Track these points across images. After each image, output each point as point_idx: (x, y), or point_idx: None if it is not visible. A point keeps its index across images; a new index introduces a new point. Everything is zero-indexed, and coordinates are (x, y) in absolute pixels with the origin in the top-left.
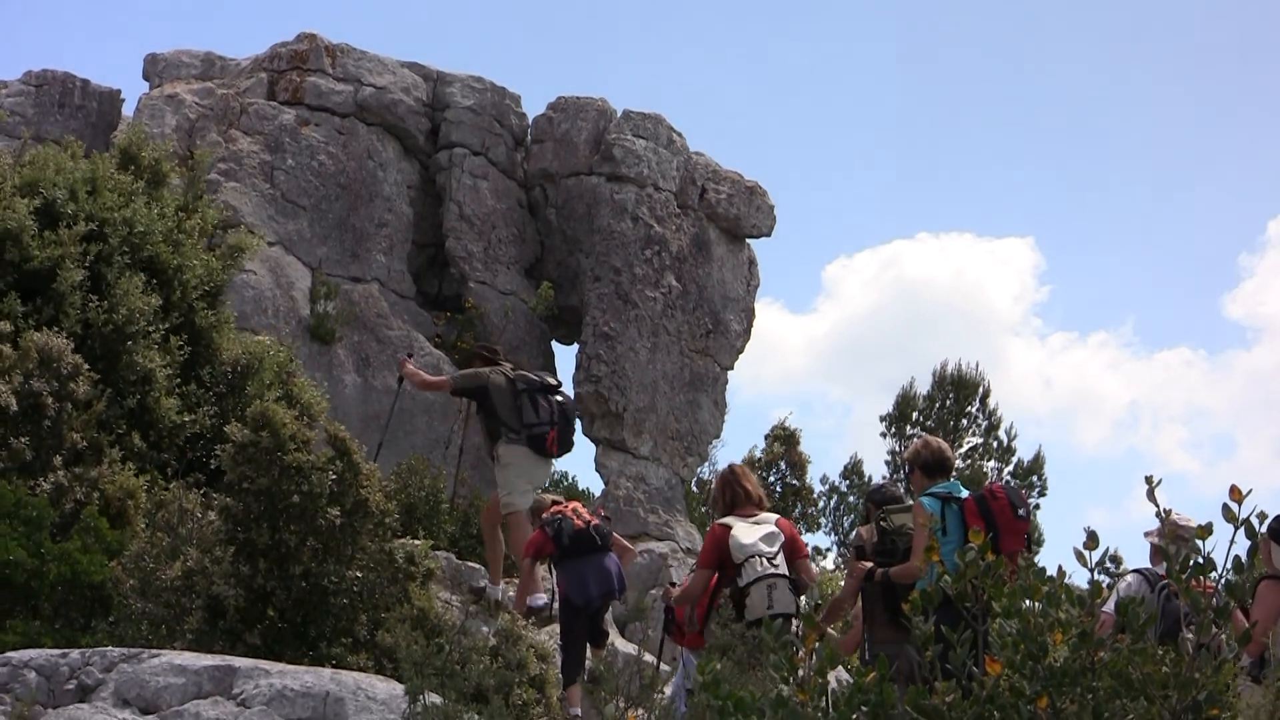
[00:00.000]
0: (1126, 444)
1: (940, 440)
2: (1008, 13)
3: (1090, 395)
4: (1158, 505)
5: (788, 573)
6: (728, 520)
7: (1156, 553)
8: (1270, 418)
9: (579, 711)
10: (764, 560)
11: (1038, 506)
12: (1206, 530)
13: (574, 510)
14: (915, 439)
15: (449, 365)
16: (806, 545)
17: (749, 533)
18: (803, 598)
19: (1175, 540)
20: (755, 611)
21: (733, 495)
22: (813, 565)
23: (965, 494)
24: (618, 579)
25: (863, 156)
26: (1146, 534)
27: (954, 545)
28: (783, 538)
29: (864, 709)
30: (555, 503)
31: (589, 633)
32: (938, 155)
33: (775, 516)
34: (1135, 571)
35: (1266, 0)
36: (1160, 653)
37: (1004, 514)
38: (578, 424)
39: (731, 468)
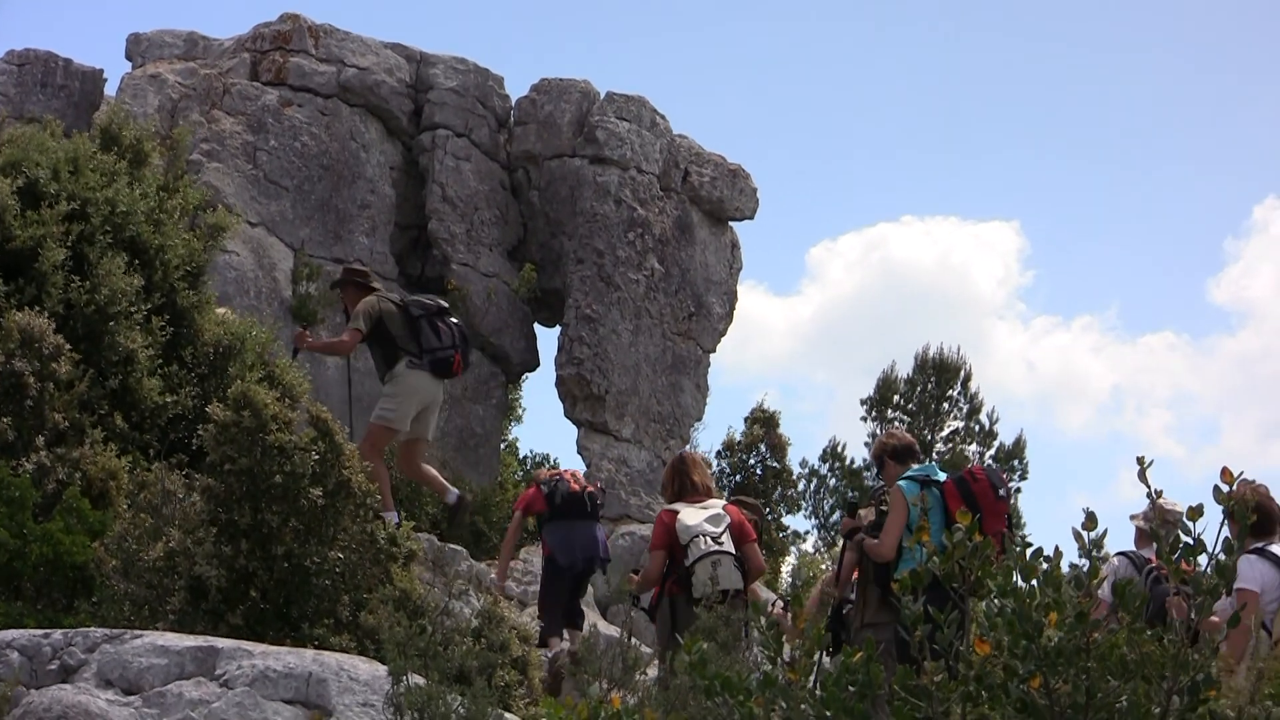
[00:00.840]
0: (1110, 428)
1: (903, 431)
2: None
3: (1074, 379)
4: (1149, 486)
5: (734, 551)
6: (674, 506)
7: (1141, 535)
8: (1254, 403)
9: (557, 650)
10: (707, 539)
11: (1019, 490)
12: (1198, 512)
13: (572, 475)
14: (882, 430)
15: None
16: (755, 532)
17: (694, 515)
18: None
19: (1164, 524)
20: (701, 588)
21: (680, 485)
22: (785, 553)
23: (943, 477)
24: (603, 547)
25: (848, 139)
26: (1132, 517)
27: (935, 528)
28: (728, 519)
29: (851, 689)
30: (553, 470)
31: (568, 603)
32: (923, 138)
33: (722, 502)
34: (1120, 554)
35: None
36: (1156, 633)
37: (985, 495)
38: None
39: (682, 457)
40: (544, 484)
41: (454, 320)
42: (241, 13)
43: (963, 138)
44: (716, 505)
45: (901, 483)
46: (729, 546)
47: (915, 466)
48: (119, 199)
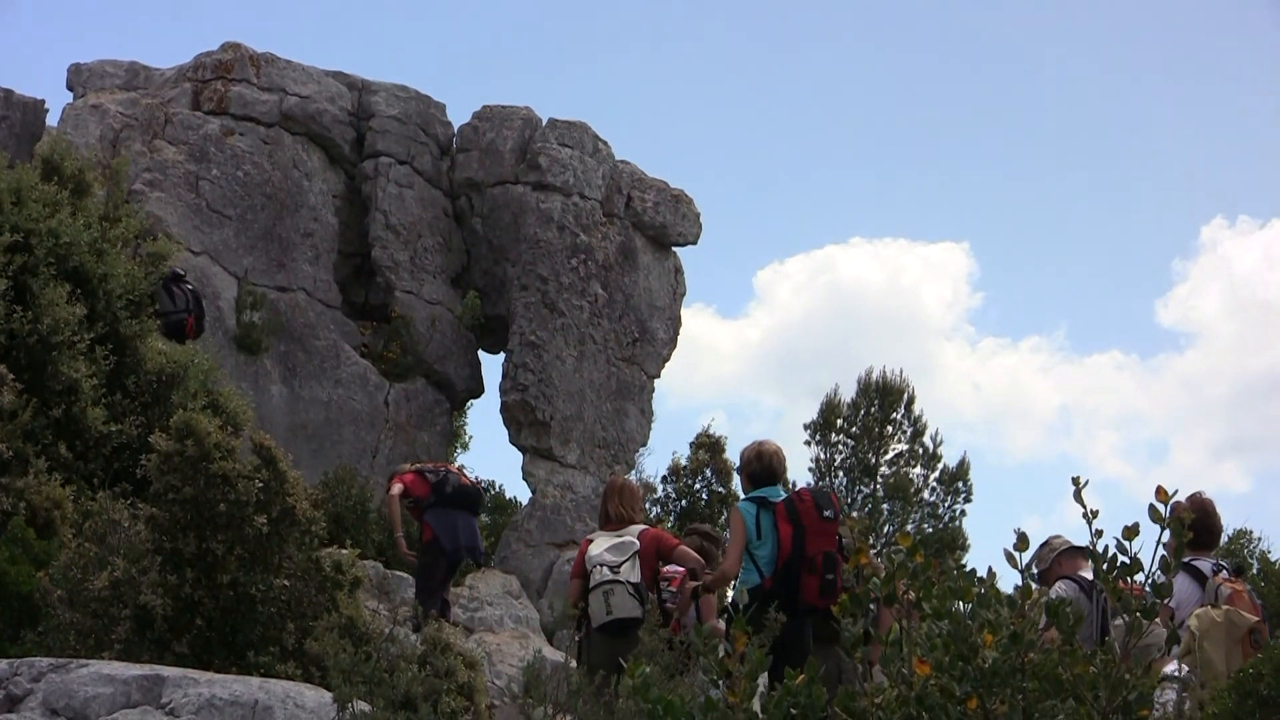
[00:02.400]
0: (1058, 449)
1: (774, 450)
2: (941, 17)
3: (1021, 400)
4: (1085, 507)
5: (634, 580)
6: (592, 535)
7: (1071, 560)
8: (1203, 422)
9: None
10: (604, 569)
11: (963, 513)
12: (1133, 531)
13: (460, 469)
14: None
15: (374, 376)
16: (676, 539)
17: (599, 545)
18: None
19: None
20: (597, 617)
21: (603, 513)
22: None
23: (780, 499)
24: (479, 539)
25: (796, 161)
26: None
27: (769, 547)
28: (638, 546)
29: (794, 711)
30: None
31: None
32: (872, 160)
33: (640, 529)
34: (1064, 579)
35: (1198, 8)
36: (1090, 653)
37: (809, 515)
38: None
39: (609, 486)
40: (430, 473)
41: (190, 286)
42: (183, 43)
43: (912, 159)
44: (631, 533)
45: (740, 504)
46: (628, 576)
47: (764, 489)
48: (62, 230)
